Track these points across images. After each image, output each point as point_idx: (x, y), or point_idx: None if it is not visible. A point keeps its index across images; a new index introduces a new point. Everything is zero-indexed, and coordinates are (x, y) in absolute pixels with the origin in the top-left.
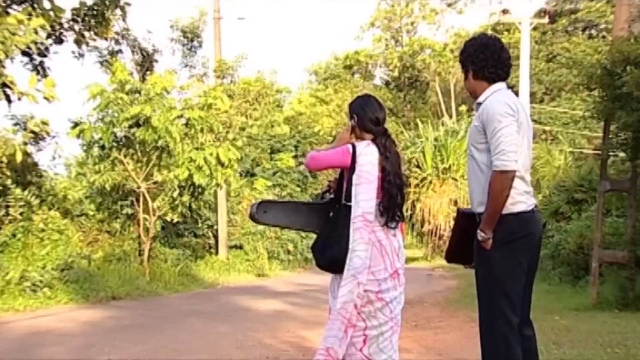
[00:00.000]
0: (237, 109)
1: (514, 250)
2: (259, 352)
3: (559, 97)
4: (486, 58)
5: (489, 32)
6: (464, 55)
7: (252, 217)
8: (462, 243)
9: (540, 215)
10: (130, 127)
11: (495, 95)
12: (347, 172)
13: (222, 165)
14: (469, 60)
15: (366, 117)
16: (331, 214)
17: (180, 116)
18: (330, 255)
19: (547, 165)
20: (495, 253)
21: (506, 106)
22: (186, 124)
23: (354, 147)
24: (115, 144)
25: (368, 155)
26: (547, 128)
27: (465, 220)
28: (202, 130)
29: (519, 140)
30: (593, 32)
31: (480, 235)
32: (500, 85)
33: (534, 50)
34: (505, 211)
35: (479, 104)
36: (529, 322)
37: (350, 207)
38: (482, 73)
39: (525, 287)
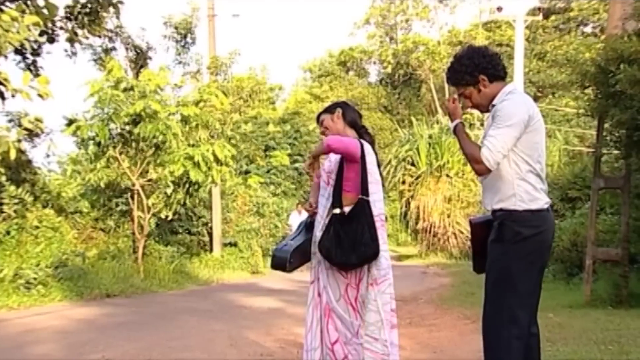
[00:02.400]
0: (231, 105)
1: (529, 247)
2: (253, 349)
3: (552, 95)
4: (492, 59)
5: (480, 29)
6: (474, 66)
7: (282, 269)
8: (484, 252)
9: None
10: (128, 123)
11: (514, 97)
12: (350, 166)
13: (218, 162)
14: (479, 68)
15: (350, 110)
16: (340, 210)
17: (175, 113)
18: (369, 252)
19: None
20: (511, 250)
21: (525, 113)
22: (182, 121)
23: (361, 142)
24: (111, 141)
25: (371, 155)
26: None
27: (479, 230)
28: (197, 126)
29: (535, 142)
30: (585, 29)
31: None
32: (512, 86)
33: (526, 49)
34: (522, 207)
35: (494, 105)
36: (535, 320)
37: (369, 201)
38: (498, 74)
39: (535, 285)
